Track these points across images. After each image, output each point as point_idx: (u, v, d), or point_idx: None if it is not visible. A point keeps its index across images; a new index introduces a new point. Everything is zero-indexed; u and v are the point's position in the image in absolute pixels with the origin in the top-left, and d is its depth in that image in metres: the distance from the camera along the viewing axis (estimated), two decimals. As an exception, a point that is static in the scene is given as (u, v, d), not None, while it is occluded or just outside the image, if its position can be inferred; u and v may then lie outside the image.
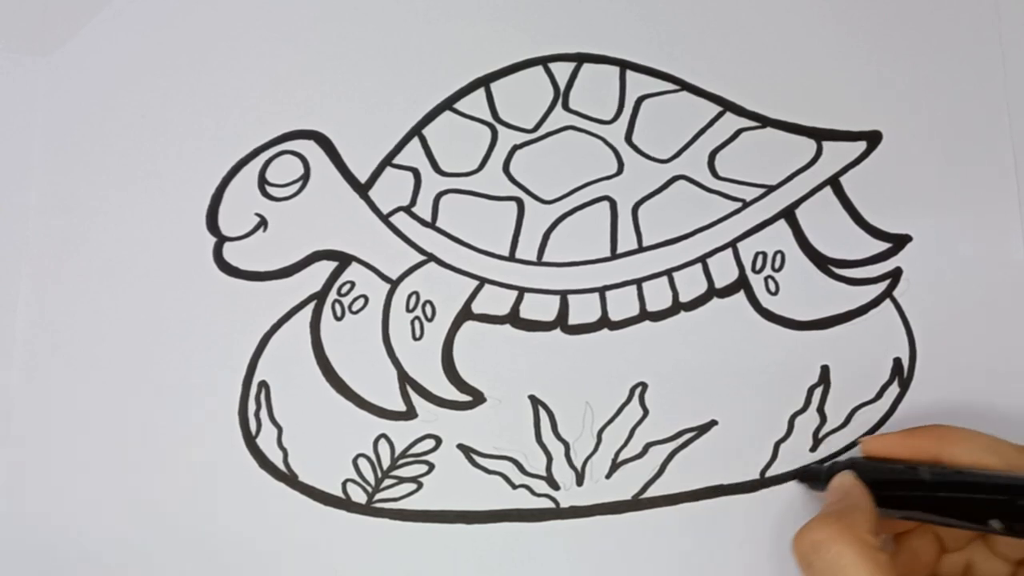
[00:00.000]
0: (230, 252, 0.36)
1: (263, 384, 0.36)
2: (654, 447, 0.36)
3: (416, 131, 0.37)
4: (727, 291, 0.37)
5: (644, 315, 0.36)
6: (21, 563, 0.34)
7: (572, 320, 0.36)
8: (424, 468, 0.35)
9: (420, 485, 0.35)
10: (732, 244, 0.37)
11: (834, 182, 0.37)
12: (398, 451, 0.35)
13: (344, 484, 0.35)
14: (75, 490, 0.35)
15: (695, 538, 0.35)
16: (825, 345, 0.36)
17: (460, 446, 0.35)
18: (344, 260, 0.36)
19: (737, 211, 0.37)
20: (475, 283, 0.36)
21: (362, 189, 0.37)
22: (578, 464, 0.35)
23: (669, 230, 0.37)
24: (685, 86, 0.38)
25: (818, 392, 0.36)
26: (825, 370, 0.36)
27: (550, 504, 0.35)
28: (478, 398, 0.36)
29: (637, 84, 0.38)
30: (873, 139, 0.38)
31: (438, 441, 0.35)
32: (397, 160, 0.37)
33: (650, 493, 0.35)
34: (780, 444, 0.36)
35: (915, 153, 0.38)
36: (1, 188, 0.37)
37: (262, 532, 0.35)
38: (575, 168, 0.37)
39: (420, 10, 0.38)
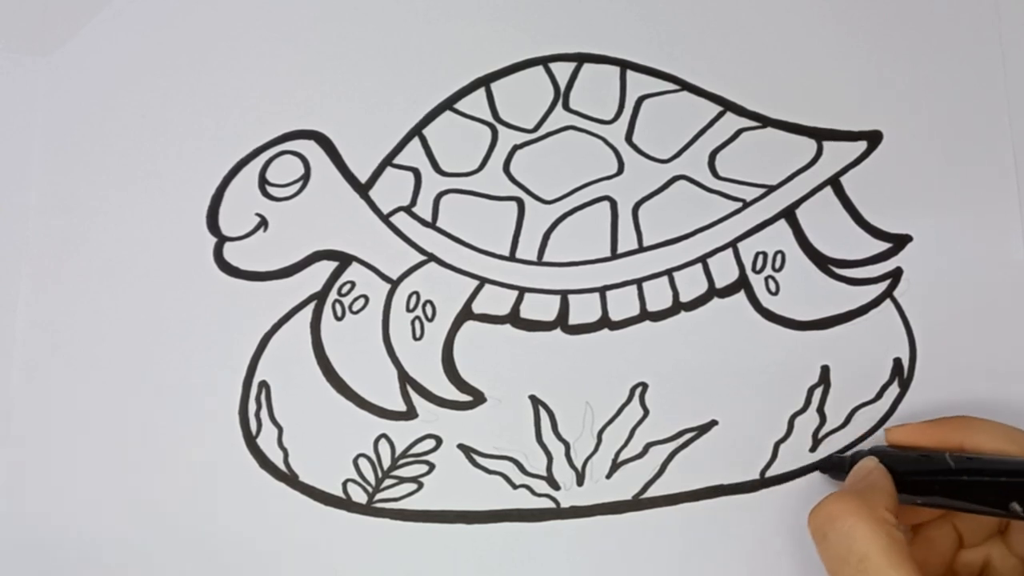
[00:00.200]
0: (230, 252, 0.36)
1: (263, 384, 0.36)
2: (654, 447, 0.36)
3: (416, 131, 0.37)
4: (727, 291, 0.37)
5: (644, 315, 0.36)
6: (21, 563, 0.34)
7: (572, 320, 0.36)
8: (424, 468, 0.35)
9: (420, 485, 0.35)
10: (732, 244, 0.37)
11: (834, 182, 0.37)
12: (398, 451, 0.35)
13: (344, 484, 0.35)
14: (75, 490, 0.35)
15: (695, 538, 0.35)
16: (825, 345, 0.36)
17: (460, 446, 0.35)
18: (344, 260, 0.36)
19: (737, 211, 0.37)
20: (475, 283, 0.36)
21: (362, 189, 0.37)
22: (578, 464, 0.35)
23: (669, 230, 0.37)
24: (685, 86, 0.38)
25: (818, 392, 0.36)
26: (825, 370, 0.36)
27: (550, 504, 0.35)
28: (478, 398, 0.36)
29: (637, 84, 0.38)
30: (873, 139, 0.38)
31: (438, 441, 0.35)
32: (397, 160, 0.37)
33: (650, 493, 0.35)
34: (780, 444, 0.36)
35: (915, 153, 0.38)
36: (1, 188, 0.37)
37: (262, 532, 0.35)
38: (575, 168, 0.37)
39: (420, 10, 0.38)
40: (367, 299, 0.36)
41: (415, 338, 0.36)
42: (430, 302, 0.36)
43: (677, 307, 0.36)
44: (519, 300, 0.36)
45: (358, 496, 0.35)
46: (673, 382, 0.36)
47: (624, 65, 0.38)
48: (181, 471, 0.35)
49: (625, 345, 0.36)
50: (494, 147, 0.37)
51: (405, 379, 0.36)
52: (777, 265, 0.37)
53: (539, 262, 0.36)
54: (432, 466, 0.35)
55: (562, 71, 0.38)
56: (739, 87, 0.38)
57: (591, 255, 0.37)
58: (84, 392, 0.35)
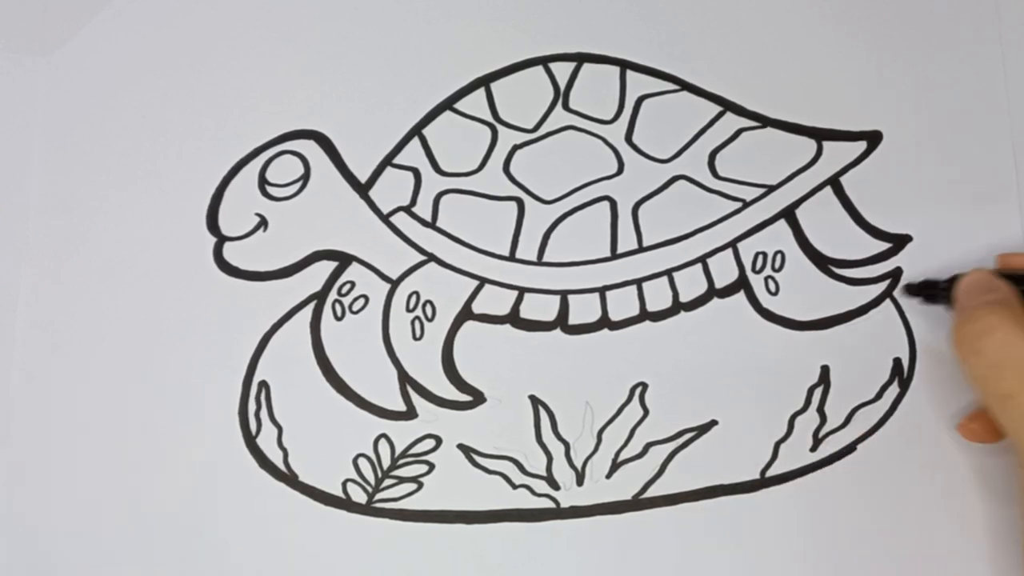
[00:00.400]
0: (230, 252, 0.36)
1: (263, 384, 0.36)
2: (654, 447, 0.36)
3: (416, 131, 0.37)
4: (727, 291, 0.37)
5: (644, 315, 0.36)
6: (21, 563, 0.34)
7: (572, 320, 0.36)
8: (424, 468, 0.35)
9: (420, 485, 0.35)
10: (732, 244, 0.37)
11: (834, 182, 0.37)
12: (398, 451, 0.35)
13: (344, 484, 0.35)
14: (75, 490, 0.35)
15: (695, 538, 0.35)
16: (825, 345, 0.36)
17: (460, 446, 0.35)
18: (344, 260, 0.36)
19: (737, 211, 0.37)
20: (475, 283, 0.36)
21: (362, 189, 0.37)
22: (578, 464, 0.35)
23: (669, 230, 0.37)
24: (685, 86, 0.38)
25: (818, 392, 0.36)
26: (825, 370, 0.36)
27: (550, 504, 0.35)
28: (478, 398, 0.36)
29: (637, 84, 0.38)
30: (873, 139, 0.38)
31: (438, 441, 0.35)
32: (397, 160, 0.37)
33: (650, 493, 0.35)
34: (780, 444, 0.36)
35: (915, 153, 0.38)
36: (1, 188, 0.37)
37: (262, 532, 0.35)
38: (575, 168, 0.37)
39: (420, 10, 0.38)
40: (367, 299, 0.36)
41: (415, 338, 0.36)
42: (430, 302, 0.36)
43: (677, 307, 0.36)
44: (519, 300, 0.36)
45: (358, 496, 0.35)
46: (673, 382, 0.36)
47: (624, 65, 0.38)
48: (181, 471, 0.35)
49: (625, 345, 0.36)
50: (494, 147, 0.37)
51: (405, 379, 0.36)
52: (777, 265, 0.37)
53: (539, 262, 0.36)
54: (432, 466, 0.35)
55: (562, 71, 0.38)
56: (739, 87, 0.38)
57: (591, 255, 0.37)
58: (84, 392, 0.35)
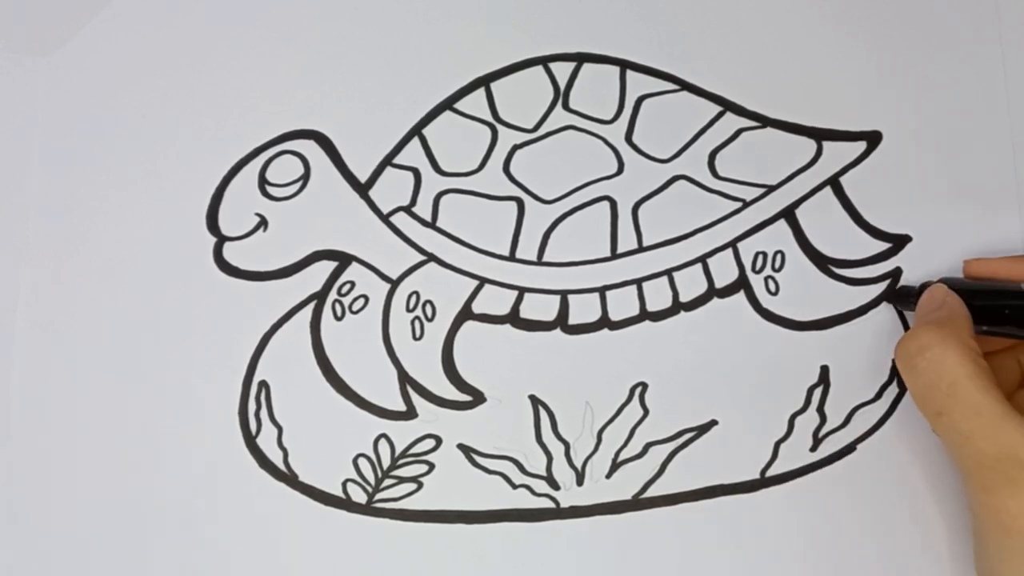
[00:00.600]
0: (230, 252, 0.36)
1: (263, 384, 0.36)
2: (654, 447, 0.36)
3: (416, 131, 0.37)
4: (727, 291, 0.37)
5: (644, 315, 0.36)
6: (21, 563, 0.34)
7: (572, 320, 0.36)
8: (424, 468, 0.35)
9: (420, 485, 0.35)
10: (732, 244, 0.37)
11: (834, 182, 0.37)
12: (398, 451, 0.35)
13: (344, 484, 0.35)
14: (75, 490, 0.35)
15: (695, 538, 0.35)
16: (825, 345, 0.36)
17: (460, 446, 0.35)
18: (344, 260, 0.36)
19: (737, 211, 0.37)
20: (475, 283, 0.36)
21: (362, 189, 0.37)
22: (578, 464, 0.35)
23: (669, 230, 0.37)
24: (685, 86, 0.38)
25: (818, 392, 0.36)
26: (825, 370, 0.36)
27: (550, 504, 0.35)
28: (478, 398, 0.36)
29: (637, 84, 0.38)
30: (873, 139, 0.38)
31: (438, 441, 0.35)
32: (397, 160, 0.37)
33: (650, 493, 0.35)
34: (780, 444, 0.36)
35: (915, 153, 0.38)
36: (1, 188, 0.37)
37: (262, 532, 0.35)
38: (575, 168, 0.37)
39: (420, 10, 0.38)
40: (367, 299, 0.36)
41: (415, 338, 0.36)
42: (430, 302, 0.36)
43: (677, 307, 0.36)
44: (519, 300, 0.36)
45: (358, 496, 0.35)
46: (673, 382, 0.36)
47: (624, 65, 0.38)
48: (181, 471, 0.35)
49: (625, 345, 0.36)
50: (494, 147, 0.37)
51: (405, 379, 0.36)
52: (777, 265, 0.37)
53: (539, 262, 0.36)
54: (432, 466, 0.35)
55: (562, 71, 0.38)
56: (739, 87, 0.38)
57: (591, 255, 0.37)
58: (84, 392, 0.35)
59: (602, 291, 0.36)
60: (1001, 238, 0.37)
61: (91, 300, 0.36)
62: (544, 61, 0.38)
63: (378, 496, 0.35)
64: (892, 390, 0.36)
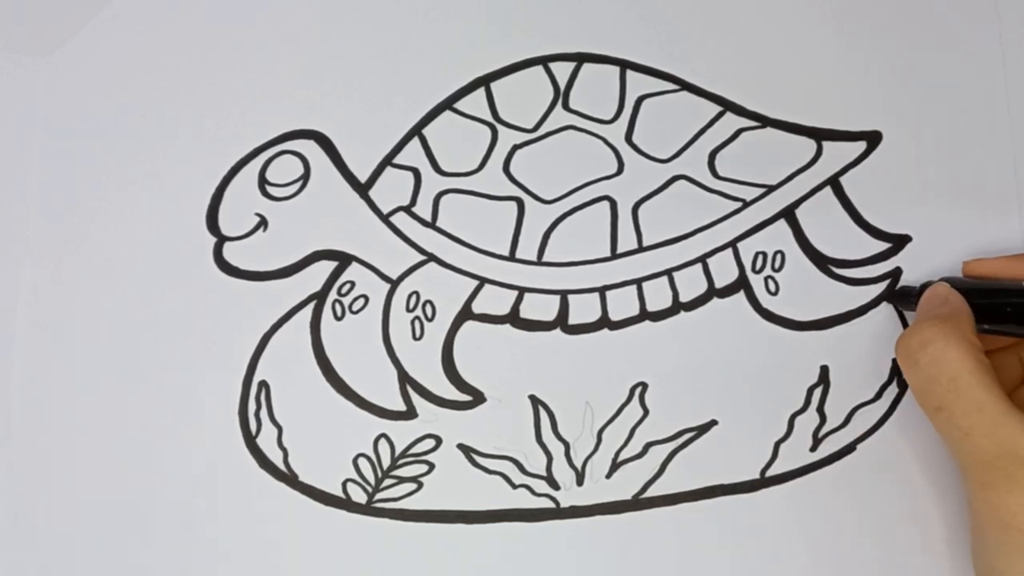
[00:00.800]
0: (230, 252, 0.36)
1: (263, 384, 0.36)
2: (654, 447, 0.36)
3: (416, 131, 0.37)
4: (727, 291, 0.37)
5: (644, 315, 0.36)
6: (21, 563, 0.34)
7: (572, 320, 0.36)
8: (424, 468, 0.35)
9: (420, 485, 0.35)
10: (732, 244, 0.37)
11: (834, 182, 0.37)
12: (398, 451, 0.35)
13: (344, 484, 0.35)
14: (75, 490, 0.35)
15: (695, 538, 0.35)
16: (825, 345, 0.36)
17: (460, 446, 0.35)
18: (344, 260, 0.36)
19: (737, 211, 0.37)
20: (475, 283, 0.36)
21: (362, 189, 0.37)
22: (578, 464, 0.35)
23: (669, 230, 0.37)
24: (685, 86, 0.38)
25: (818, 392, 0.36)
26: (825, 370, 0.36)
27: (550, 504, 0.35)
28: (478, 398, 0.36)
29: (637, 84, 0.38)
30: (873, 139, 0.38)
31: (438, 441, 0.35)
32: (397, 160, 0.37)
33: (650, 493, 0.35)
34: (780, 444, 0.36)
35: (915, 153, 0.38)
36: (1, 188, 0.37)
37: (262, 532, 0.35)
38: (575, 168, 0.37)
39: (420, 10, 0.38)
40: (367, 299, 0.36)
41: (415, 338, 0.36)
42: (430, 302, 0.36)
43: (677, 307, 0.36)
44: (519, 300, 0.36)
45: (358, 496, 0.35)
46: (673, 382, 0.36)
47: (624, 65, 0.38)
48: (181, 471, 0.35)
49: (625, 345, 0.36)
50: (494, 147, 0.37)
51: (405, 379, 0.36)
52: (777, 265, 0.37)
53: (539, 262, 0.36)
54: (432, 466, 0.35)
55: (562, 71, 0.38)
56: (739, 87, 0.38)
57: (591, 255, 0.37)
58: (84, 392, 0.35)
59: (602, 291, 0.36)
60: (1001, 238, 0.37)
61: (91, 300, 0.36)
62: (544, 61, 0.38)
63: (378, 496, 0.35)
64: (892, 390, 0.36)
